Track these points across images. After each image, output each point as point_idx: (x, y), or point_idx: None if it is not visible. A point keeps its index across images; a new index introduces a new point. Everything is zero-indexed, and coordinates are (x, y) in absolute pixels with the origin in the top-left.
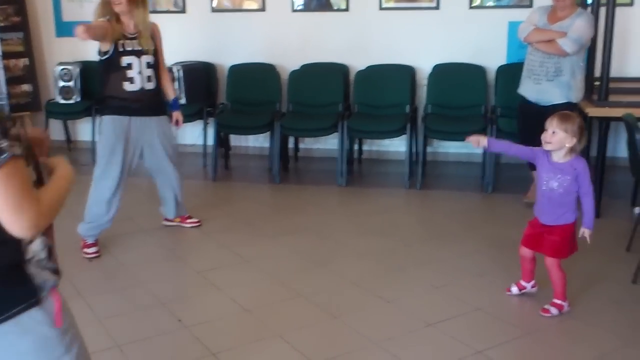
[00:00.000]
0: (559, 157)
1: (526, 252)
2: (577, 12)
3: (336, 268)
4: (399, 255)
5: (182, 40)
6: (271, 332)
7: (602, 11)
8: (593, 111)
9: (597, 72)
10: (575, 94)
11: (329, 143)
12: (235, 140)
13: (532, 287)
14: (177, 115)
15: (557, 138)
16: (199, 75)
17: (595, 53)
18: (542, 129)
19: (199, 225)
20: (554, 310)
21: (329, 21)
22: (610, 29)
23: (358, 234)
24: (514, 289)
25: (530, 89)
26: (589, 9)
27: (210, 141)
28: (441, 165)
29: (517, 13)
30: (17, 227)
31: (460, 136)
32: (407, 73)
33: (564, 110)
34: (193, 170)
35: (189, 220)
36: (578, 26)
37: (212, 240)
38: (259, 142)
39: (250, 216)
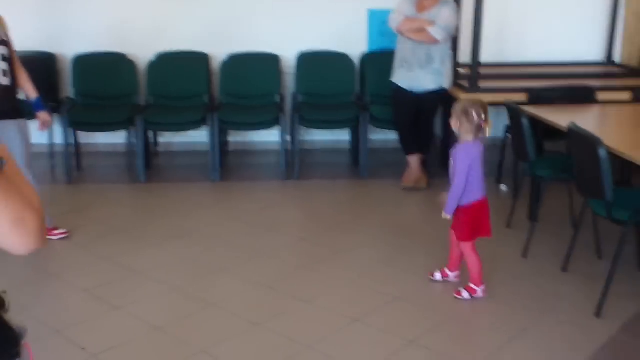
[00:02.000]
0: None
1: (453, 235)
2: (442, 1)
3: (239, 271)
4: (300, 251)
5: (12, 26)
6: (192, 348)
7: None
8: (465, 97)
9: (461, 59)
10: (447, 80)
11: (190, 136)
12: (82, 137)
13: (456, 277)
14: (44, 116)
15: (452, 122)
16: (36, 67)
17: (459, 41)
18: (416, 115)
19: (68, 236)
20: (465, 294)
21: (183, 5)
22: (479, 16)
23: (249, 233)
24: (437, 276)
25: (404, 77)
26: None
27: (57, 140)
28: (311, 154)
29: (376, 2)
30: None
31: (335, 125)
32: (272, 62)
33: (437, 96)
34: (40, 172)
35: (55, 232)
36: (445, 15)
37: (88, 252)
38: (109, 138)
39: (124, 221)
